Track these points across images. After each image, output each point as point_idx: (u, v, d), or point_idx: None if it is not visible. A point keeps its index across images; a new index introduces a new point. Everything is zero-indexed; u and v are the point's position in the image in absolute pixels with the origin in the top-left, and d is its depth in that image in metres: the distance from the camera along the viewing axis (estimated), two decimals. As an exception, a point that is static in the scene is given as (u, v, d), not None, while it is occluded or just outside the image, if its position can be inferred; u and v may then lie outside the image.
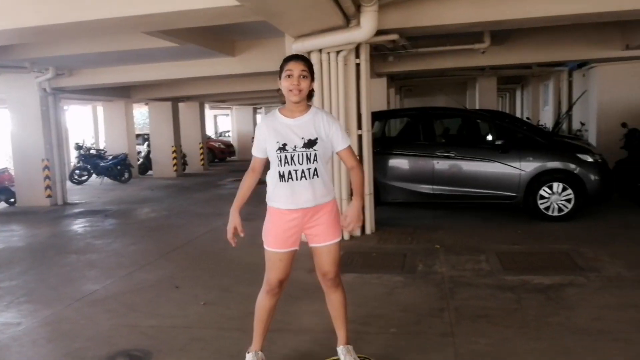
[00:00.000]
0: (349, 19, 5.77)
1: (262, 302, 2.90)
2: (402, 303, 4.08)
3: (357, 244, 6.07)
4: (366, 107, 6.36)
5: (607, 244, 5.52)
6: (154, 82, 11.93)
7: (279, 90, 2.71)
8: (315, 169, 2.66)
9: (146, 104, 17.18)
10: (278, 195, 2.73)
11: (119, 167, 14.49)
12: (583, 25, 8.70)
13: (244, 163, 22.20)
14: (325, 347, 3.33)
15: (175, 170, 16.00)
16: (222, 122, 34.70)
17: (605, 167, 6.96)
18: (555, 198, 6.66)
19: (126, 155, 14.81)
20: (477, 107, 14.93)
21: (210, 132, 28.69)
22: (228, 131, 27.75)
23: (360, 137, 6.34)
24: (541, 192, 6.68)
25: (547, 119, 15.85)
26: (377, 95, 10.95)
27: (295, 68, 2.60)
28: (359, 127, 6.33)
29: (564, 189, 6.62)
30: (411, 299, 4.17)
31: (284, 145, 2.64)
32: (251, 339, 3.02)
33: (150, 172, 16.79)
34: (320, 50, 6.00)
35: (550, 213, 6.71)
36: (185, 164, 17.24)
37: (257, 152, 2.79)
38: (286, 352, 3.29)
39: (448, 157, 6.96)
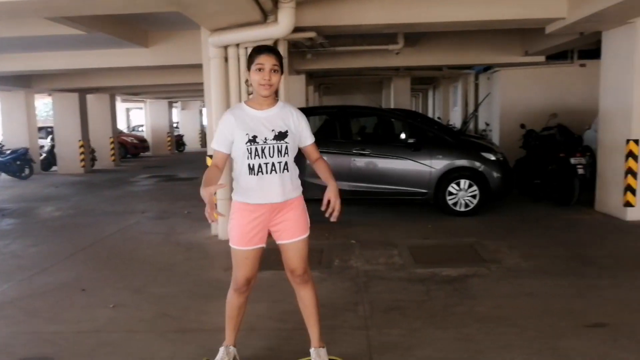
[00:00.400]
0: (266, 15, 5.74)
1: (231, 300, 2.85)
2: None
3: (274, 241, 6.07)
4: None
5: (507, 236, 5.95)
6: (58, 71, 11.15)
7: (247, 81, 2.64)
8: (286, 163, 2.64)
9: (50, 94, 16.03)
10: (245, 189, 2.65)
11: (18, 163, 13.43)
12: (488, 32, 9.31)
13: (160, 159, 21.46)
14: (241, 344, 3.31)
15: (83, 166, 15.08)
16: (135, 116, 33.22)
17: (506, 165, 7.49)
18: (462, 194, 7.07)
19: (27, 150, 13.74)
20: (392, 107, 15.46)
21: (122, 126, 27.35)
22: (142, 125, 26.60)
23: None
24: (450, 188, 7.05)
25: (456, 119, 16.76)
26: (296, 92, 11.01)
27: (267, 62, 2.54)
28: (277, 123, 6.31)
29: (469, 186, 7.04)
30: (327, 293, 4.23)
31: (254, 137, 2.58)
32: (164, 340, 2.94)
33: (54, 167, 15.69)
34: (237, 45, 5.92)
35: (458, 208, 7.10)
36: (94, 159, 16.29)
37: (220, 145, 2.65)
38: (202, 353, 3.22)
39: (364, 155, 7.15)
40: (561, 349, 3.15)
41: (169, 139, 23.19)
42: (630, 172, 6.46)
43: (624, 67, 6.50)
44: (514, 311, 3.76)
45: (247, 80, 2.69)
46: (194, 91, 17.27)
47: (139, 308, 4.06)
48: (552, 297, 4.05)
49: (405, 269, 4.85)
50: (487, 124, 13.08)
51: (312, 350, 2.88)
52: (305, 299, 2.85)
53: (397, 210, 7.61)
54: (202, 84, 6.37)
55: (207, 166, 6.25)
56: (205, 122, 28.84)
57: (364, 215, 7.40)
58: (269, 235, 2.80)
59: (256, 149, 2.58)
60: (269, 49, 2.62)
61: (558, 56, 10.81)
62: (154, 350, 3.31)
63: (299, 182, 2.78)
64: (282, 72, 2.62)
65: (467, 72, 14.74)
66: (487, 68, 12.88)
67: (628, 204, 6.54)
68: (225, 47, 5.88)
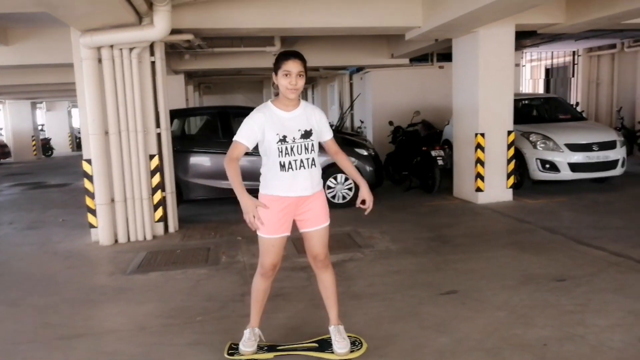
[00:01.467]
0: (141, 17, 5.71)
1: (258, 284, 3.05)
2: (207, 293, 4.32)
3: (161, 242, 6.09)
4: (164, 105, 6.37)
5: (379, 223, 6.56)
6: None
7: (273, 83, 2.86)
8: (313, 159, 2.88)
9: None
10: (276, 184, 2.87)
11: None
12: (359, 37, 10.03)
13: (25, 165, 19.62)
14: (133, 343, 3.40)
15: None
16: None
17: (378, 159, 8.19)
18: (340, 187, 7.61)
19: None
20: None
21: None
22: (0, 128, 24.10)
23: (159, 135, 6.33)
24: (328, 182, 7.55)
25: (334, 117, 17.58)
26: (175, 92, 10.88)
27: (294, 68, 2.74)
28: (158, 125, 6.31)
29: (346, 179, 7.60)
30: (215, 288, 4.43)
31: (284, 137, 2.80)
32: (51, 348, 2.92)
33: None
34: (112, 46, 5.81)
35: (336, 201, 7.63)
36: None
37: (246, 140, 2.84)
38: (93, 356, 3.26)
39: (246, 154, 7.35)
40: (421, 313, 3.69)
41: (33, 143, 21.33)
42: (479, 161, 7.46)
43: (470, 70, 7.47)
44: (384, 287, 4.27)
45: (273, 83, 2.88)
46: (61, 91, 16.10)
47: (18, 321, 3.91)
48: (415, 272, 4.65)
49: (289, 259, 5.17)
50: (362, 122, 13.98)
51: (331, 327, 3.14)
52: (326, 281, 3.12)
53: (280, 206, 7.95)
54: (70, 83, 6.14)
55: (83, 171, 6.12)
56: (76, 124, 26.74)
57: (249, 213, 7.61)
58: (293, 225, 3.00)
59: (286, 148, 2.81)
60: (295, 55, 2.79)
61: (421, 59, 11.94)
62: (41, 357, 3.27)
63: (320, 175, 3.00)
64: (306, 75, 2.82)
65: (342, 73, 15.55)
66: (360, 69, 13.76)
67: (479, 190, 7.53)
68: (99, 48, 5.74)
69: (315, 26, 6.76)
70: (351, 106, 13.67)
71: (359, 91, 14.28)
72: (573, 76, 13.88)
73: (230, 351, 3.13)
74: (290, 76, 2.75)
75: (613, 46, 12.64)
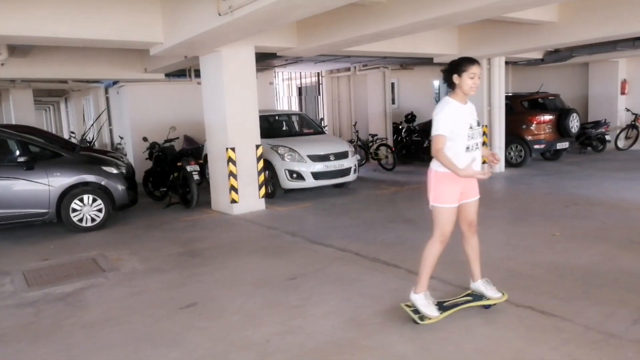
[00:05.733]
0: None
1: (435, 251, 3.54)
2: None
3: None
4: None
5: (130, 244, 6.30)
6: None
7: (450, 81, 3.46)
8: (481, 143, 3.54)
9: None
10: (459, 163, 3.35)
11: None
12: (110, 49, 9.49)
13: None
14: None
15: None
16: None
17: (132, 177, 7.85)
18: (87, 209, 7.05)
19: None
20: (13, 122, 13.82)
21: None
22: None
23: None
24: (73, 205, 6.93)
25: (91, 132, 16.24)
26: None
27: (478, 71, 3.40)
28: None
29: (94, 200, 7.09)
30: None
31: (471, 125, 3.42)
32: None
33: None
34: None
35: (84, 224, 7.05)
36: None
37: (447, 131, 3.35)
38: None
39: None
40: (156, 332, 3.67)
41: None
42: (232, 174, 7.77)
43: (217, 87, 7.76)
44: (122, 311, 4.11)
45: (451, 80, 3.47)
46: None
47: None
48: (159, 290, 4.60)
49: (15, 295, 4.60)
50: (122, 137, 13.25)
51: (480, 281, 3.76)
52: (475, 244, 3.73)
53: (15, 234, 7.01)
54: None
55: None
56: None
57: (-28, 247, 6.51)
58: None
59: (471, 134, 3.42)
60: (476, 61, 3.44)
61: (180, 74, 11.89)
62: None
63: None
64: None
65: (97, 86, 14.49)
66: (116, 82, 13.01)
67: (234, 201, 7.84)
68: None
69: (40, 35, 6.11)
70: (94, 122, 12.83)
71: (116, 106, 13.50)
72: (319, 94, 15.58)
73: (418, 319, 3.52)
74: (474, 78, 3.40)
75: (348, 69, 14.60)
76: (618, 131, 13.68)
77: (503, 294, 3.73)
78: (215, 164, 8.18)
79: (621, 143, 13.70)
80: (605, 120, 13.32)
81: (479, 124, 3.52)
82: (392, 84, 15.14)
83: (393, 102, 15.06)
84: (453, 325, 3.53)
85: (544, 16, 7.96)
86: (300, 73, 14.98)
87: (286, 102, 16.14)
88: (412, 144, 12.95)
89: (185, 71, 12.00)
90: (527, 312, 3.68)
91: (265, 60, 10.45)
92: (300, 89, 16.32)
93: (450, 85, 3.48)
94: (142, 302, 4.31)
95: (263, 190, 8.15)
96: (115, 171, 7.46)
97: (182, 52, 7.57)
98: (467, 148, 3.41)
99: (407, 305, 3.67)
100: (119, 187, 7.37)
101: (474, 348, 3.21)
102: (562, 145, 11.73)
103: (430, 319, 3.49)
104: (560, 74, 14.26)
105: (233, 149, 7.72)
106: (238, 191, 7.85)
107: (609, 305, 3.71)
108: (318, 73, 15.17)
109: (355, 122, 14.01)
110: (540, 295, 3.96)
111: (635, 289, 4.01)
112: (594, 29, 7.89)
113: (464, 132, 3.38)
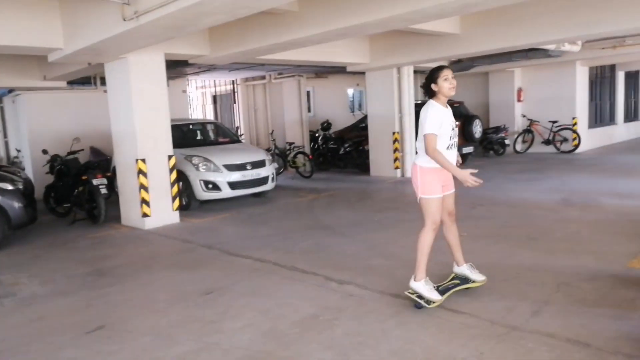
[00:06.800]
0: None
1: (429, 239, 3.87)
2: None
3: None
4: None
5: (29, 266, 5.82)
6: None
7: (423, 86, 3.91)
8: (456, 142, 3.92)
9: None
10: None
11: None
12: (6, 55, 8.75)
13: None
14: None
15: None
16: None
17: (30, 192, 7.26)
18: (-22, 229, 6.42)
19: None
20: None
21: None
22: None
23: None
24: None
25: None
26: None
27: (450, 74, 3.76)
28: None
29: (-13, 218, 6.47)
30: None
31: (453, 127, 3.76)
32: None
33: None
34: None
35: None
36: None
37: (436, 130, 3.70)
38: None
39: None
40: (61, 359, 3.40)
41: None
42: (143, 187, 7.43)
43: (124, 96, 7.40)
44: (19, 340, 3.76)
45: (430, 89, 3.86)
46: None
47: None
48: (62, 315, 4.26)
49: None
50: (19, 150, 12.24)
51: (464, 265, 4.14)
52: (455, 230, 4.08)
53: None
54: None
55: None
56: None
57: None
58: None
59: (452, 134, 3.79)
60: (447, 66, 3.88)
61: (84, 82, 11.21)
62: None
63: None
64: None
65: (-9, 95, 13.33)
66: (11, 90, 12.02)
67: (145, 215, 7.49)
68: None
69: None
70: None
71: (12, 116, 12.46)
72: (235, 103, 15.39)
73: (420, 304, 3.82)
74: (448, 80, 3.79)
75: (264, 77, 14.56)
76: (516, 136, 14.78)
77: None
78: (125, 176, 7.78)
79: (519, 147, 14.80)
80: (505, 125, 14.34)
81: (456, 126, 3.94)
82: (308, 92, 15.32)
83: (309, 111, 15.24)
84: (369, 329, 3.59)
85: (448, 28, 8.42)
86: (215, 81, 14.71)
87: (201, 110, 15.76)
88: (329, 151, 13.15)
89: (90, 79, 11.37)
90: (439, 311, 3.82)
91: (177, 67, 10.14)
92: (215, 98, 16.03)
93: (432, 95, 3.85)
94: (42, 329, 3.97)
95: (177, 202, 7.87)
96: (10, 187, 6.85)
97: (85, 58, 7.15)
98: (447, 147, 3.82)
99: (410, 293, 3.94)
100: (16, 205, 6.78)
101: (390, 350, 3.28)
102: (468, 149, 12.43)
103: (434, 302, 3.83)
104: (464, 82, 15.13)
105: (144, 160, 7.39)
106: (150, 204, 7.52)
107: (511, 300, 3.96)
108: (233, 81, 14.98)
109: (272, 131, 13.98)
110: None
111: (534, 283, 4.31)
112: (491, 41, 8.46)
113: (447, 132, 3.78)
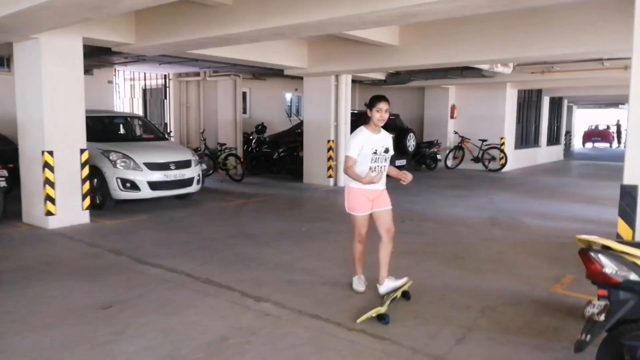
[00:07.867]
0: None
1: (357, 247, 4.38)
2: None
3: None
4: None
5: None
6: None
7: (366, 114, 4.25)
8: (386, 166, 4.29)
9: None
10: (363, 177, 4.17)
11: None
12: None
13: None
14: None
15: None
16: None
17: None
18: None
19: None
20: None
21: None
22: None
23: None
24: None
25: None
26: None
27: (384, 107, 4.16)
28: None
29: None
30: None
31: (376, 150, 4.17)
32: None
33: None
34: None
35: None
36: None
37: (356, 154, 4.15)
38: None
39: None
40: None
41: None
42: (48, 182, 6.69)
43: (33, 80, 6.66)
44: None
45: (366, 113, 4.23)
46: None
47: None
48: None
49: None
50: None
51: (385, 281, 4.28)
52: (388, 248, 4.27)
53: None
54: None
55: None
56: None
57: None
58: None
59: (375, 158, 4.19)
60: (384, 98, 4.19)
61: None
62: None
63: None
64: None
65: None
66: None
67: (49, 213, 6.76)
68: None
69: None
70: None
71: None
72: (166, 98, 14.60)
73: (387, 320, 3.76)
74: (381, 112, 4.14)
75: (198, 74, 13.93)
76: (447, 151, 15.05)
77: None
78: (29, 169, 7.00)
79: (450, 162, 15.08)
80: (437, 140, 14.55)
81: (387, 151, 4.25)
82: (244, 93, 14.85)
83: (244, 112, 14.76)
84: (282, 355, 3.25)
85: (387, 39, 8.31)
86: (146, 74, 13.89)
87: (128, 104, 14.83)
88: (262, 155, 12.74)
89: (2, 60, 10.33)
90: (359, 335, 3.55)
91: (101, 55, 9.38)
92: (145, 91, 15.16)
93: (366, 120, 4.25)
94: None
95: (88, 200, 7.18)
96: None
97: (-12, 35, 6.35)
98: (371, 169, 4.17)
99: (368, 315, 3.82)
100: None
101: (303, 382, 2.95)
102: (400, 162, 12.44)
103: (358, 291, 4.39)
104: (401, 95, 15.25)
105: (50, 153, 6.66)
106: (55, 202, 6.79)
107: (435, 325, 3.76)
108: (165, 75, 14.22)
109: (204, 130, 13.38)
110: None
111: (458, 306, 4.15)
112: (429, 55, 8.45)
113: (368, 156, 4.15)
